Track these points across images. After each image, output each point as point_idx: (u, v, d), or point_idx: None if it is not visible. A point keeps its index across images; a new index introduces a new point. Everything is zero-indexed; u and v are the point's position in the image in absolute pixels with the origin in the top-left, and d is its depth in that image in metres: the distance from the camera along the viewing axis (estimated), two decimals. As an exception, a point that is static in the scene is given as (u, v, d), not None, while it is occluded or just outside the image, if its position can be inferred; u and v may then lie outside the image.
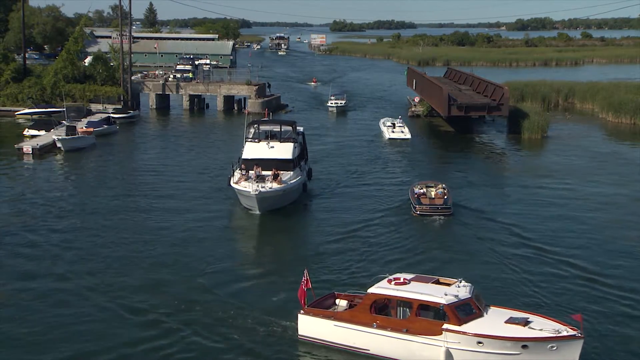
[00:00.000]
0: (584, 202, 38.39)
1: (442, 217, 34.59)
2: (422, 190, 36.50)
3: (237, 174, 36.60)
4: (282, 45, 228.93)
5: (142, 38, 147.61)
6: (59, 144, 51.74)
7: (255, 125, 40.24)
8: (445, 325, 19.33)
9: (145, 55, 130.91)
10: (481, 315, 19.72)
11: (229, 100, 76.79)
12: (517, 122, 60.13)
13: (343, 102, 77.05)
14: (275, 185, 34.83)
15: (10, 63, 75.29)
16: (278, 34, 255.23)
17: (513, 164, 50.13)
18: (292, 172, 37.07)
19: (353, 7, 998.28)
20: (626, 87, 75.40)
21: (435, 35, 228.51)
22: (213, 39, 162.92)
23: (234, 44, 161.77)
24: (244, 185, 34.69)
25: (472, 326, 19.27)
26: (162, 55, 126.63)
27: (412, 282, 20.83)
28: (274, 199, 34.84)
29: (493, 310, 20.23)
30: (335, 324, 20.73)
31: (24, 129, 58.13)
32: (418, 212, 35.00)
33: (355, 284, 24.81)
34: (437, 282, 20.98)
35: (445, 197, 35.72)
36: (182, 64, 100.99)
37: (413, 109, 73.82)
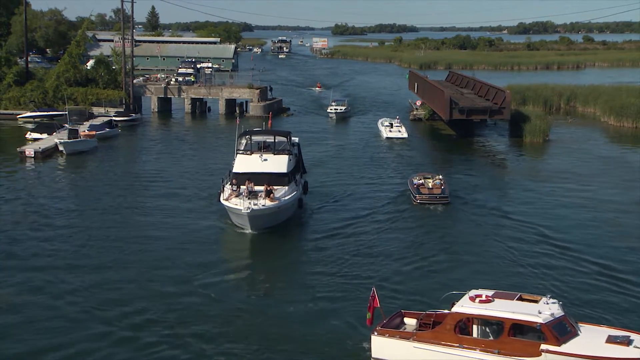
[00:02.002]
0: (585, 201, 38.83)
1: (440, 206, 37.01)
2: (420, 181, 38.59)
3: (228, 190, 33.64)
4: (284, 48, 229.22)
5: (144, 41, 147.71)
6: (61, 147, 51.86)
7: (247, 136, 37.36)
8: (544, 346, 18.16)
9: (147, 58, 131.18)
10: (577, 334, 18.62)
11: (230, 103, 76.82)
12: (519, 126, 60.16)
13: (344, 108, 75.76)
14: (268, 202, 32.04)
15: (12, 66, 75.41)
16: (280, 37, 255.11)
17: (514, 167, 50.16)
18: (286, 187, 34.10)
19: (355, 10, 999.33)
20: (628, 90, 75.30)
21: (437, 39, 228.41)
22: (215, 43, 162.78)
23: (235, 48, 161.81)
24: (235, 203, 31.94)
25: (573, 346, 18.14)
26: (164, 59, 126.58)
27: (495, 299, 19.61)
28: (267, 217, 32.17)
29: (586, 328, 19.20)
30: (415, 345, 19.46)
31: (27, 132, 58.39)
32: (418, 201, 37.26)
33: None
34: (521, 298, 19.80)
35: (443, 187, 37.85)
36: (184, 68, 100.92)
37: (415, 112, 73.74)
